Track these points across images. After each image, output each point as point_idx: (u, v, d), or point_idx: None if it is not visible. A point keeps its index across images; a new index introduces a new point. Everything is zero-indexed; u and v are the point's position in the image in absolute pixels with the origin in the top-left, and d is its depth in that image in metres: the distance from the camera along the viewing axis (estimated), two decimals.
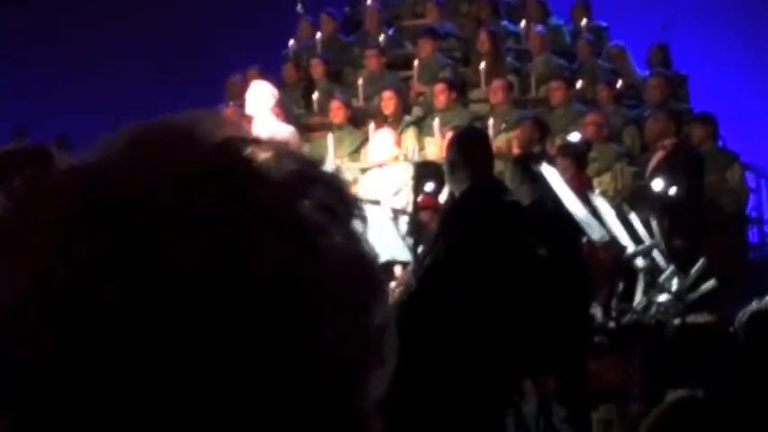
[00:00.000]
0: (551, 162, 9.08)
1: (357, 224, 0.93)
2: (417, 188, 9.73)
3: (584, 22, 13.82)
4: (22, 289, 0.86)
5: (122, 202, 0.87)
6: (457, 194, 7.12)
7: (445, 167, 7.27)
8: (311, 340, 0.87)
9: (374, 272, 0.93)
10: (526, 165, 8.46)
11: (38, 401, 0.86)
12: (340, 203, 0.93)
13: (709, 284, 8.48)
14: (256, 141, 0.93)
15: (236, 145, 0.91)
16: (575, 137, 10.62)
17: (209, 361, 0.85)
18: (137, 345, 0.84)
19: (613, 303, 8.31)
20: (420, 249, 7.95)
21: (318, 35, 13.97)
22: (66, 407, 0.85)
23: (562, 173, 8.84)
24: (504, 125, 11.85)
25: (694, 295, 8.42)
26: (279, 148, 0.93)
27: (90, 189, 0.88)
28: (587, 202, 8.50)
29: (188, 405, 0.85)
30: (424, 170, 10.31)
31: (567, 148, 10.12)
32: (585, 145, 10.51)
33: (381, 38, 13.70)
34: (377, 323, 0.92)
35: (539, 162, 8.44)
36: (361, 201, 0.96)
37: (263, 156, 0.91)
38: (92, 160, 0.91)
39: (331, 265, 0.89)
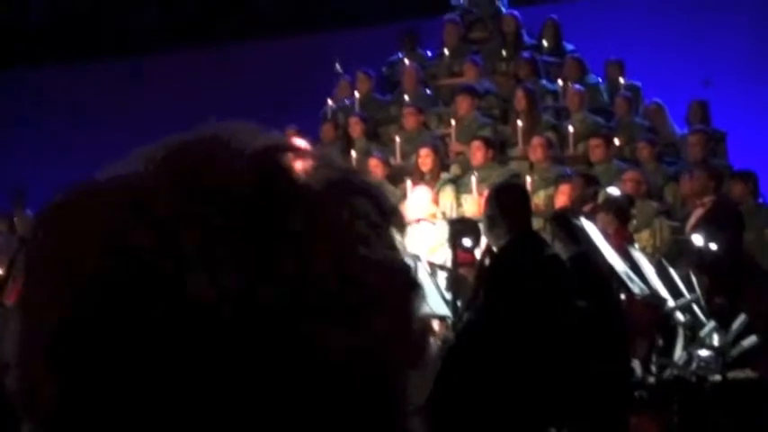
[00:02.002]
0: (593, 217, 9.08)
1: (395, 233, 0.94)
2: (454, 244, 9.72)
3: (620, 80, 13.86)
4: (62, 300, 0.87)
5: (161, 214, 0.87)
6: (495, 249, 7.11)
7: (483, 223, 7.27)
8: (353, 345, 0.88)
9: (412, 279, 0.94)
10: (564, 221, 8.44)
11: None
12: (379, 212, 0.93)
13: (751, 340, 8.40)
14: (294, 150, 0.92)
15: (274, 154, 0.91)
16: (615, 190, 10.61)
17: (263, 369, 0.86)
18: (175, 356, 0.85)
19: (653, 358, 8.25)
20: (459, 304, 7.93)
21: (357, 94, 14.06)
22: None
23: (605, 228, 8.82)
24: (542, 182, 11.86)
25: (735, 351, 8.34)
26: (318, 156, 0.93)
27: (131, 202, 0.88)
28: (627, 256, 8.47)
29: (235, 403, 0.86)
30: (460, 226, 10.30)
31: (610, 204, 10.12)
32: (628, 200, 10.51)
33: (418, 96, 13.77)
34: (416, 326, 0.92)
35: (577, 217, 8.42)
36: (400, 212, 0.96)
37: (302, 164, 0.91)
38: (128, 173, 0.91)
39: (372, 273, 0.90)
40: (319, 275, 0.87)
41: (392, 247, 0.93)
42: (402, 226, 0.95)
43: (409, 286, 0.93)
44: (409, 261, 0.94)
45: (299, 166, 0.91)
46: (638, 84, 14.03)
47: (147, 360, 0.85)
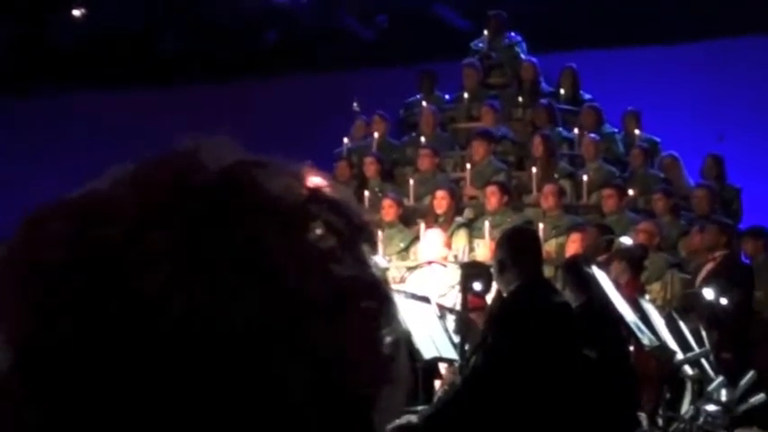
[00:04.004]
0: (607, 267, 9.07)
1: (365, 248, 0.94)
2: (465, 287, 9.71)
3: (636, 131, 13.87)
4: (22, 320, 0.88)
5: (122, 232, 0.87)
6: (505, 294, 7.08)
7: (494, 266, 7.24)
8: (322, 363, 0.88)
9: (383, 294, 0.94)
10: (576, 269, 8.42)
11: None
12: (349, 227, 0.93)
13: (759, 398, 8.35)
14: (264, 165, 0.92)
15: (244, 168, 0.91)
16: (627, 240, 10.61)
17: (222, 381, 0.86)
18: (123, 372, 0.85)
19: (660, 411, 8.20)
20: (467, 347, 7.90)
21: (376, 135, 14.10)
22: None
23: (618, 277, 8.79)
24: (554, 230, 11.85)
25: (743, 408, 8.28)
26: (287, 171, 0.93)
27: (86, 217, 0.89)
28: (638, 307, 8.44)
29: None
30: (472, 270, 10.29)
31: (624, 253, 10.12)
32: (642, 249, 10.50)
33: (436, 138, 13.80)
34: (387, 342, 0.92)
35: (589, 265, 8.40)
36: (370, 226, 0.96)
37: (272, 179, 0.91)
38: (97, 187, 0.92)
39: (340, 289, 0.90)
40: (286, 291, 0.87)
41: (363, 261, 0.93)
42: (372, 241, 0.95)
43: (380, 301, 0.93)
44: (379, 274, 0.94)
45: (270, 180, 0.91)
46: (657, 139, 14.04)
47: (107, 365, 0.85)
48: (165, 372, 0.85)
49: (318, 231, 0.90)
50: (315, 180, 0.94)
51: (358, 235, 0.93)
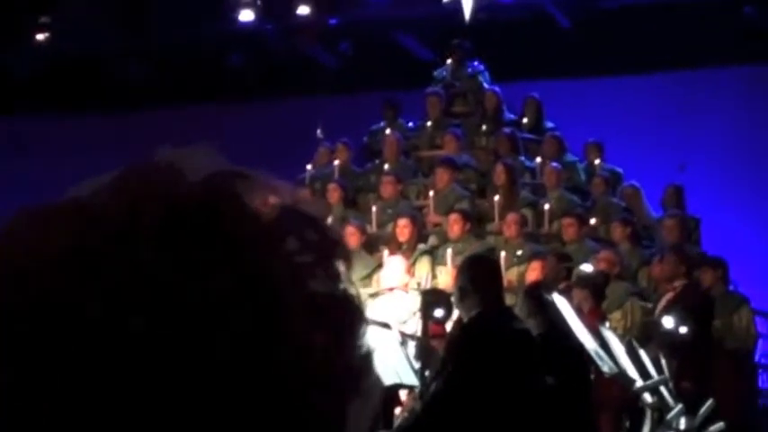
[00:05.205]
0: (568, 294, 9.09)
1: (340, 264, 0.95)
2: (426, 314, 9.72)
3: (597, 161, 13.93)
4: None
5: (104, 238, 0.88)
6: (466, 321, 7.10)
7: (455, 293, 7.26)
8: (290, 382, 0.89)
9: (355, 310, 0.95)
10: (537, 295, 8.44)
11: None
12: (324, 243, 0.94)
13: (718, 426, 8.39)
14: (245, 176, 0.94)
15: (225, 180, 0.93)
16: (588, 267, 10.64)
17: (195, 386, 0.86)
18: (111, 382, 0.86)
19: None
20: (428, 374, 7.90)
21: (336, 162, 14.11)
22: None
23: (580, 304, 8.80)
24: (515, 259, 11.88)
25: None
26: (267, 185, 0.94)
27: (67, 224, 0.89)
28: (598, 334, 8.47)
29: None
30: (432, 297, 10.31)
31: (586, 281, 10.15)
32: (603, 277, 10.54)
33: (399, 166, 13.82)
34: (356, 357, 0.93)
35: (550, 292, 8.42)
36: (344, 243, 0.97)
37: (251, 192, 0.92)
38: (78, 197, 0.92)
39: (315, 302, 0.91)
40: (262, 303, 0.88)
41: (337, 277, 0.94)
42: (347, 258, 0.96)
43: (351, 316, 0.94)
44: (352, 290, 0.95)
45: (250, 193, 0.92)
46: (620, 170, 14.10)
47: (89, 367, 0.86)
48: (144, 377, 0.85)
49: (294, 246, 0.91)
50: (293, 196, 0.95)
51: (332, 251, 0.95)
